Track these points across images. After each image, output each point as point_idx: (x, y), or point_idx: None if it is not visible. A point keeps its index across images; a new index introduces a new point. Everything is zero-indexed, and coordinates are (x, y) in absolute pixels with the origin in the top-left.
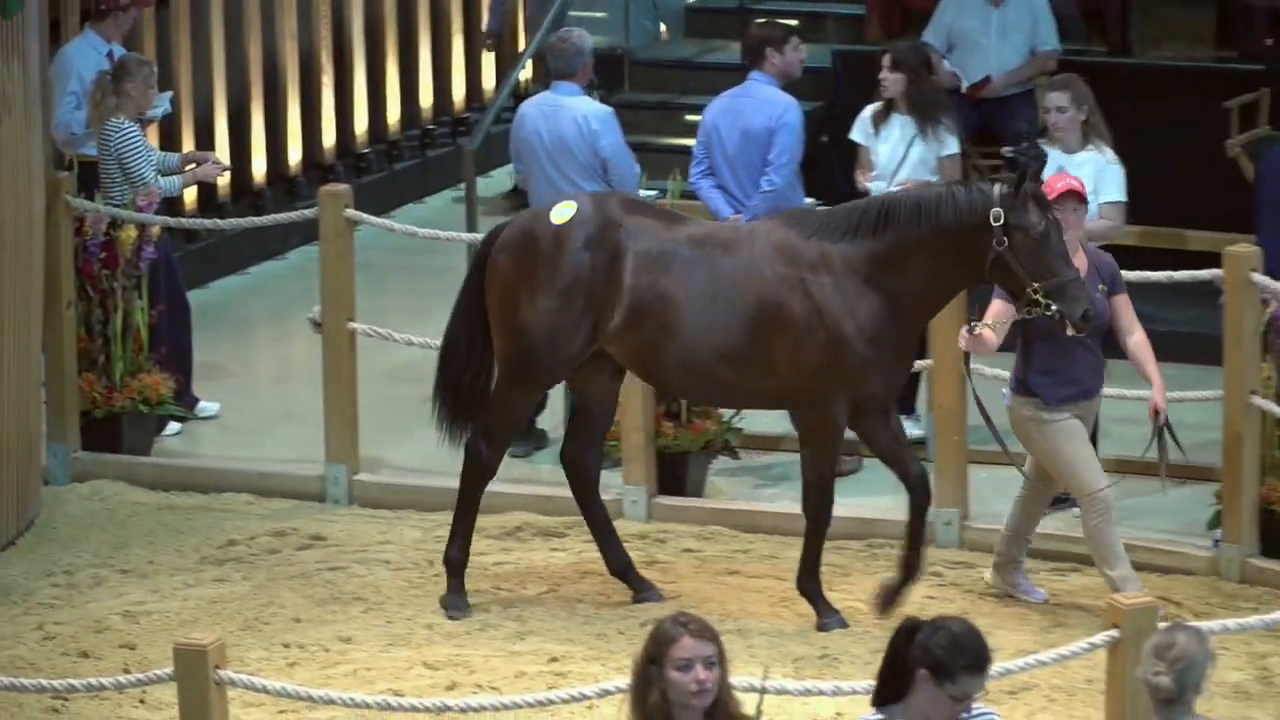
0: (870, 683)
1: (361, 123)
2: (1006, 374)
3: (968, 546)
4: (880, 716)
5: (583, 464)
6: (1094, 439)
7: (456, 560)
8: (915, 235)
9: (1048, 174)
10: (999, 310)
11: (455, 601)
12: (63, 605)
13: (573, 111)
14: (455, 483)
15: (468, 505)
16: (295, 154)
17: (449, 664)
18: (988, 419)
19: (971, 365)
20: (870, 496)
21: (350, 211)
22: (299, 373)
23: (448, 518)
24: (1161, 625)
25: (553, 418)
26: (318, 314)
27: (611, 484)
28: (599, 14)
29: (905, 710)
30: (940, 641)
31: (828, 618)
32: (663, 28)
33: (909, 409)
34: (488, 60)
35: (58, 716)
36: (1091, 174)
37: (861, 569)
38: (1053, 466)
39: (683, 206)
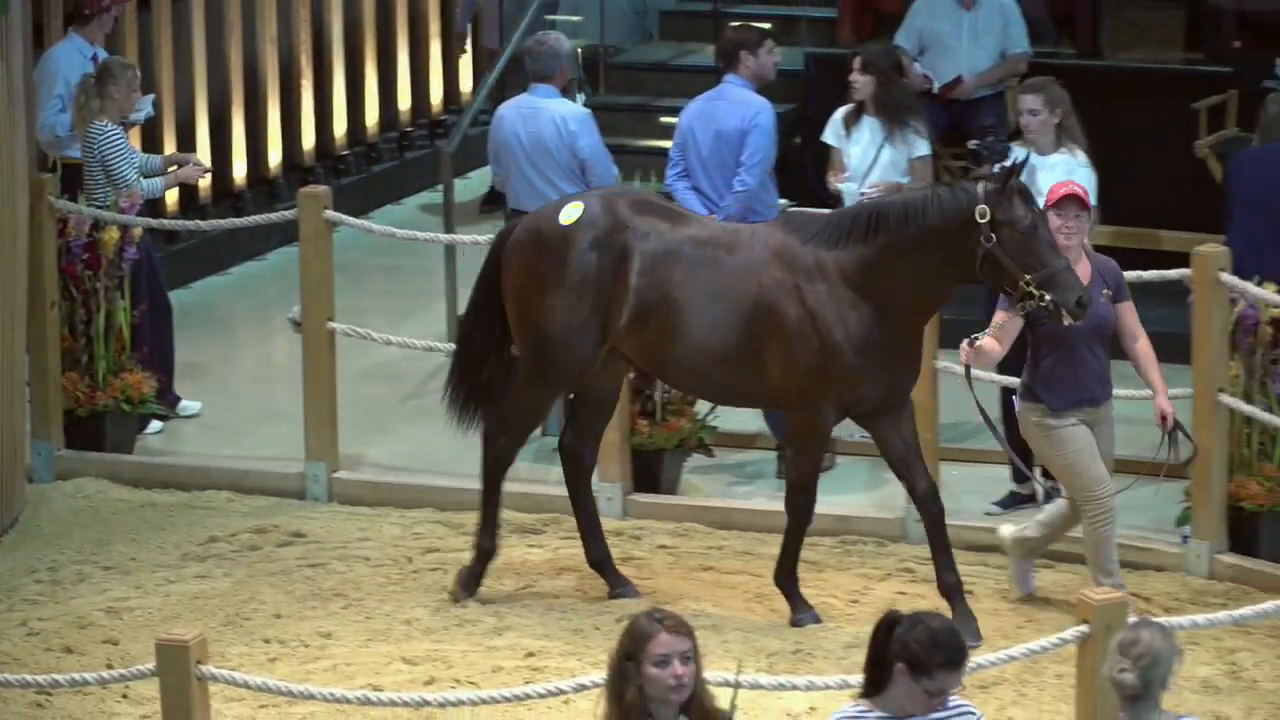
0: (843, 677)
1: (340, 125)
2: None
3: None
4: (861, 707)
5: (579, 456)
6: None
7: (486, 549)
8: (904, 239)
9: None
10: (1002, 319)
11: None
12: (47, 601)
13: (551, 113)
14: (434, 480)
15: (489, 494)
16: (275, 156)
17: (427, 659)
18: (991, 425)
19: (972, 375)
20: (844, 494)
21: (329, 213)
22: (279, 372)
23: (427, 515)
24: (1131, 620)
25: None
26: (297, 314)
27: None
28: (575, 17)
29: (884, 702)
30: (918, 637)
31: (801, 613)
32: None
33: None
34: (465, 64)
35: (41, 711)
36: (1062, 176)
37: (835, 565)
38: (1057, 471)
39: None
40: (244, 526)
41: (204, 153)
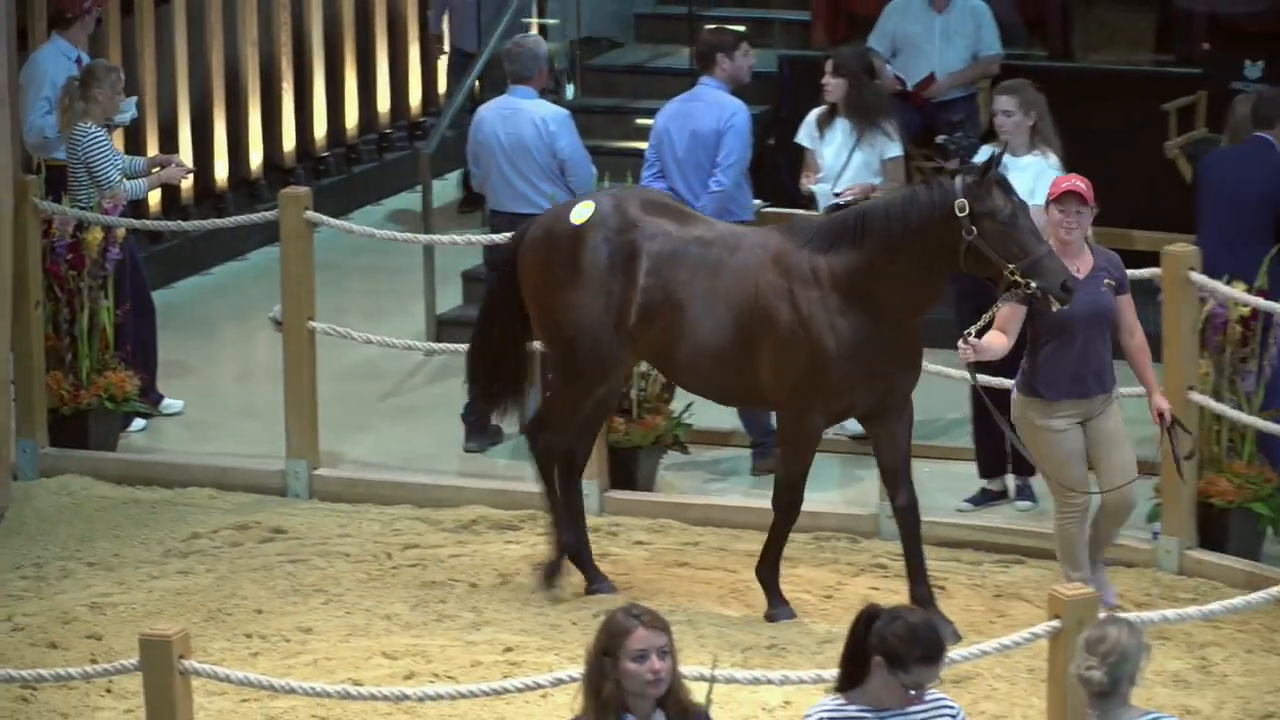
0: (817, 672)
1: (321, 127)
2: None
3: None
4: (839, 701)
5: (572, 451)
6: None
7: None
8: (889, 240)
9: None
10: (1004, 315)
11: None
12: (31, 597)
13: (531, 114)
14: (413, 477)
15: (549, 492)
16: (256, 157)
17: (407, 654)
18: (1004, 424)
19: (977, 371)
20: (817, 490)
21: (310, 213)
22: (260, 370)
23: (406, 511)
24: (1101, 615)
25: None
26: (278, 313)
27: None
28: (551, 20)
29: (861, 696)
30: (896, 631)
31: (777, 608)
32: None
33: None
34: (443, 66)
35: (26, 706)
36: (1032, 177)
37: (808, 560)
38: (1039, 463)
39: None
40: (226, 523)
41: (186, 154)
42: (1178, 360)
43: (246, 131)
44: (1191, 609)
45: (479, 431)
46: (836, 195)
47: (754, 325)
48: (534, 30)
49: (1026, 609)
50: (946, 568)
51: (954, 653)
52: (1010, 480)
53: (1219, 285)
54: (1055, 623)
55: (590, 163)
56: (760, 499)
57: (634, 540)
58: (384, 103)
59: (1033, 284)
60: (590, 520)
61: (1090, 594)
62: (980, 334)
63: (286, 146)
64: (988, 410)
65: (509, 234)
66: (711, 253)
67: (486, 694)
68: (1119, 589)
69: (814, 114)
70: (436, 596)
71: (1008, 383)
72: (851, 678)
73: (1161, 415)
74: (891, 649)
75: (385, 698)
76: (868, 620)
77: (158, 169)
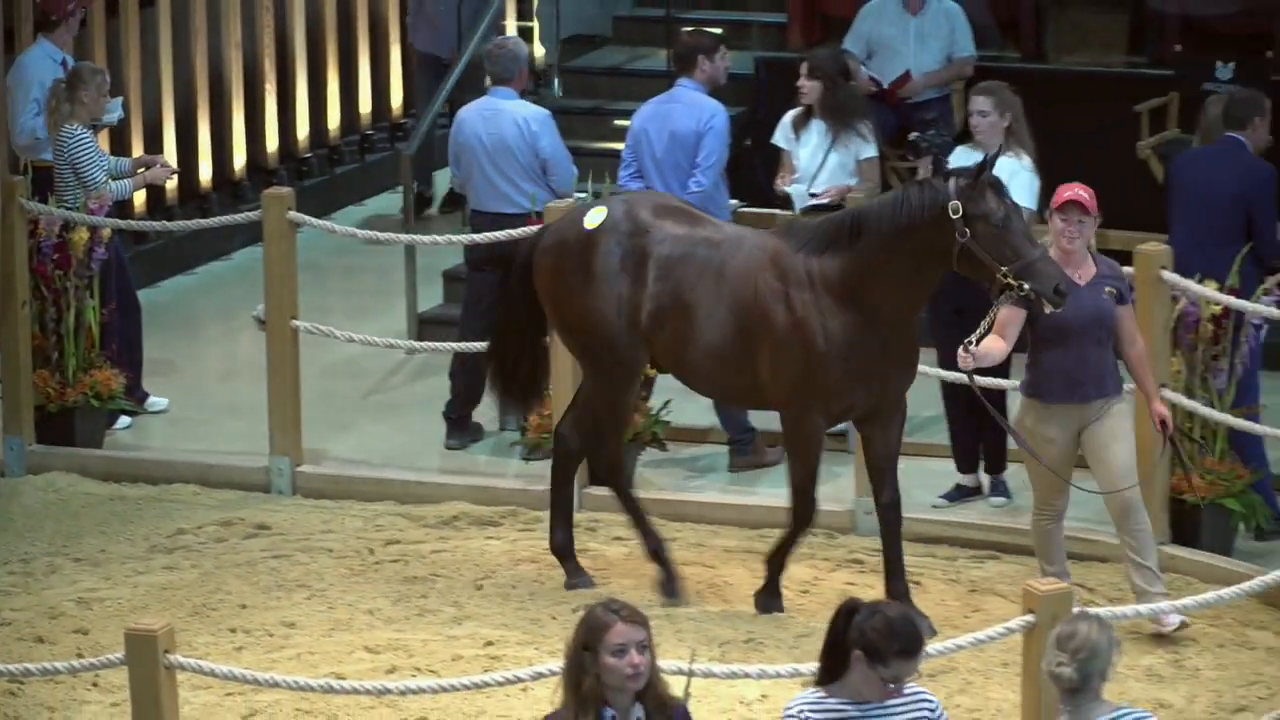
0: (794, 666)
1: (303, 128)
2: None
3: None
4: (819, 694)
5: (569, 445)
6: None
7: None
8: (882, 241)
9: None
10: (1002, 319)
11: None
12: (19, 592)
13: (512, 114)
14: (395, 474)
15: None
16: (240, 158)
17: (389, 648)
18: (1004, 425)
19: (976, 377)
20: None
21: (293, 214)
22: (244, 368)
23: (388, 507)
24: (1075, 610)
25: (489, 411)
26: (262, 312)
27: (543, 474)
28: (529, 23)
29: (841, 689)
30: (875, 625)
31: (770, 600)
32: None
33: None
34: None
35: (14, 699)
36: (1005, 178)
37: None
38: (1029, 466)
39: None
40: (210, 519)
41: (171, 155)
42: (1150, 358)
43: (230, 133)
44: (1164, 604)
45: (460, 429)
46: (813, 196)
47: (753, 327)
48: (511, 31)
49: (1001, 604)
50: (922, 563)
51: (930, 647)
52: (984, 477)
53: (1191, 284)
54: (1029, 617)
55: (572, 163)
56: (737, 495)
57: (613, 536)
58: (366, 104)
59: (1025, 286)
60: None
61: (1066, 588)
62: (979, 340)
63: (270, 147)
64: (966, 408)
65: (489, 233)
66: (717, 255)
67: (467, 688)
68: (1093, 584)
69: (789, 115)
70: (418, 591)
71: (1003, 382)
72: (831, 671)
73: (1164, 423)
74: (871, 643)
75: (367, 691)
76: (847, 614)
77: (143, 169)
